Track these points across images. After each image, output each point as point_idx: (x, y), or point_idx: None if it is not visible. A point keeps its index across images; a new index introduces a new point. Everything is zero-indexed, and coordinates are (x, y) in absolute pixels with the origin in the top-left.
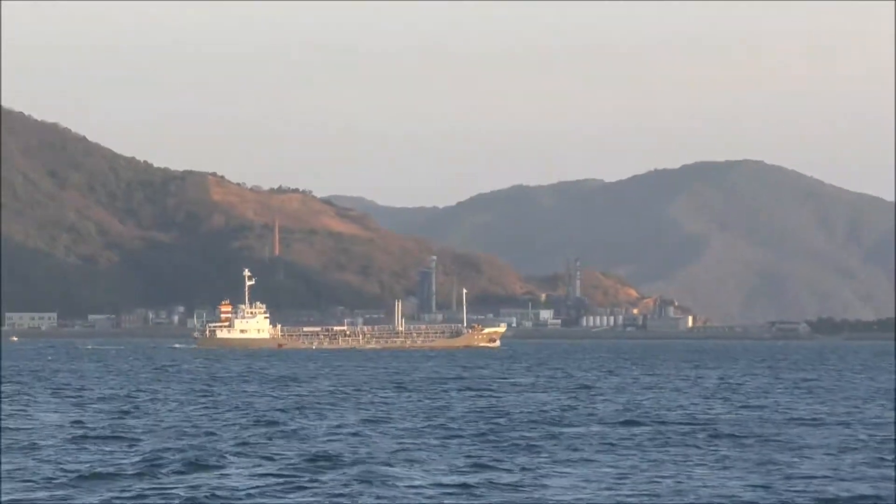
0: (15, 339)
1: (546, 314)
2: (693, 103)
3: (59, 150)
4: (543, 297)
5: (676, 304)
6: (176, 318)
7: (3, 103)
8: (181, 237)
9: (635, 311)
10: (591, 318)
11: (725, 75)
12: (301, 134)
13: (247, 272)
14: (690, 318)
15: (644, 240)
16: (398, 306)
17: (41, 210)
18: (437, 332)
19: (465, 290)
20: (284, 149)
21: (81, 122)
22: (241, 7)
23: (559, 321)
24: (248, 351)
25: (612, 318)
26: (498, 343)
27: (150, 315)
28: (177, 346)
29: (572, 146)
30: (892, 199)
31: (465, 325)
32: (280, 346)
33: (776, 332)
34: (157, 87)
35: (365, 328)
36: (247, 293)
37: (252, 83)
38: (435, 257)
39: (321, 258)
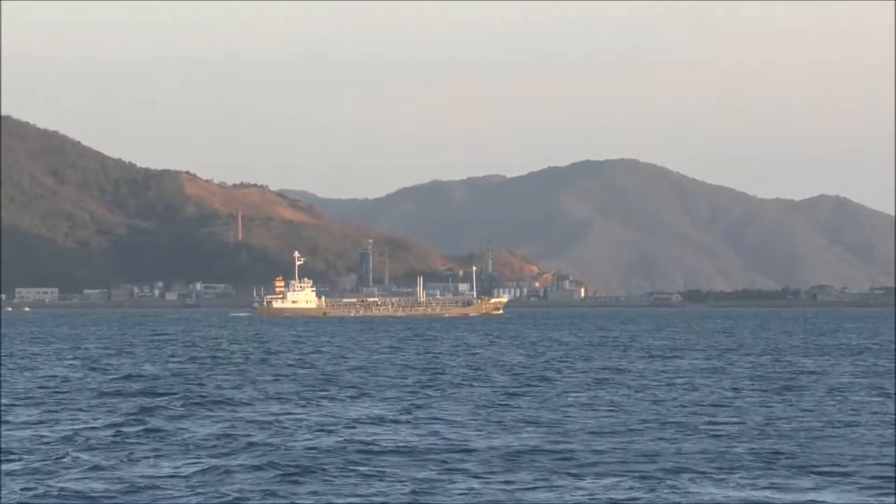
0: (27, 309)
1: (464, 287)
2: (579, 111)
3: (58, 152)
4: (461, 272)
5: (571, 278)
6: (157, 292)
7: (11, 114)
8: (160, 225)
9: (537, 284)
10: (502, 290)
11: (608, 86)
12: (258, 138)
13: (297, 254)
14: (583, 290)
15: (540, 225)
16: (419, 282)
17: (44, 202)
18: (452, 302)
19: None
20: (245, 150)
21: (77, 129)
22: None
23: (474, 293)
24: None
25: (518, 290)
26: (502, 311)
27: (135, 289)
28: (240, 314)
29: (479, 146)
30: (743, 189)
31: (475, 296)
32: (325, 314)
33: (654, 300)
34: (139, 100)
35: (393, 299)
36: (296, 270)
37: (217, 93)
38: (371, 240)
39: (277, 241)
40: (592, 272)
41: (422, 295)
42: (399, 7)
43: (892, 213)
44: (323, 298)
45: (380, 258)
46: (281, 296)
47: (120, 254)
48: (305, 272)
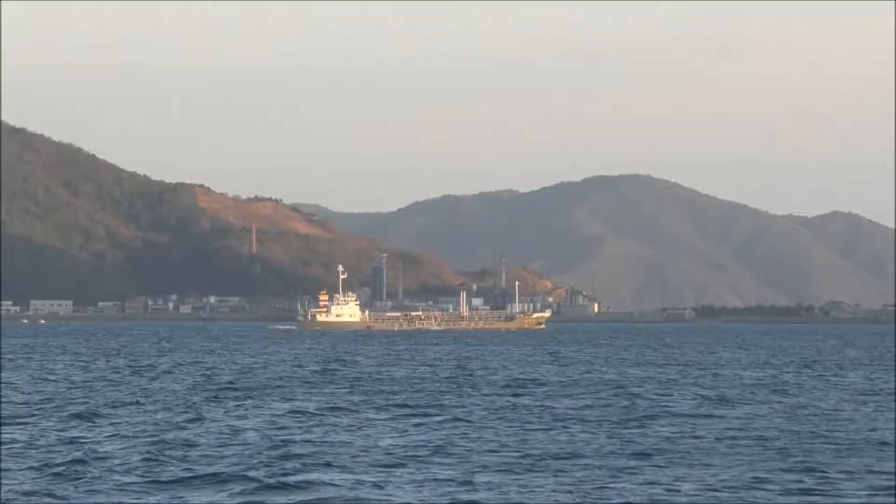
0: (42, 321)
1: (477, 302)
2: (592, 127)
3: (73, 165)
4: (475, 287)
5: (584, 293)
6: (170, 305)
7: (27, 126)
8: (174, 238)
9: (550, 299)
10: (515, 305)
11: (620, 102)
12: (272, 152)
13: (340, 268)
14: (596, 305)
15: (552, 240)
16: (463, 297)
17: (58, 215)
18: (494, 317)
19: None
20: (259, 164)
21: (91, 142)
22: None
23: (488, 307)
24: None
25: (531, 305)
26: (544, 326)
27: (149, 302)
28: (283, 327)
29: (492, 161)
30: (755, 205)
31: (517, 311)
32: (368, 328)
33: (667, 316)
34: (154, 113)
35: (436, 313)
36: (340, 284)
37: (232, 107)
38: (385, 254)
39: (290, 255)
40: (604, 287)
41: (464, 309)
42: (412, 23)
43: None
44: (367, 312)
45: (393, 272)
46: (325, 309)
47: (134, 267)
48: (319, 286)
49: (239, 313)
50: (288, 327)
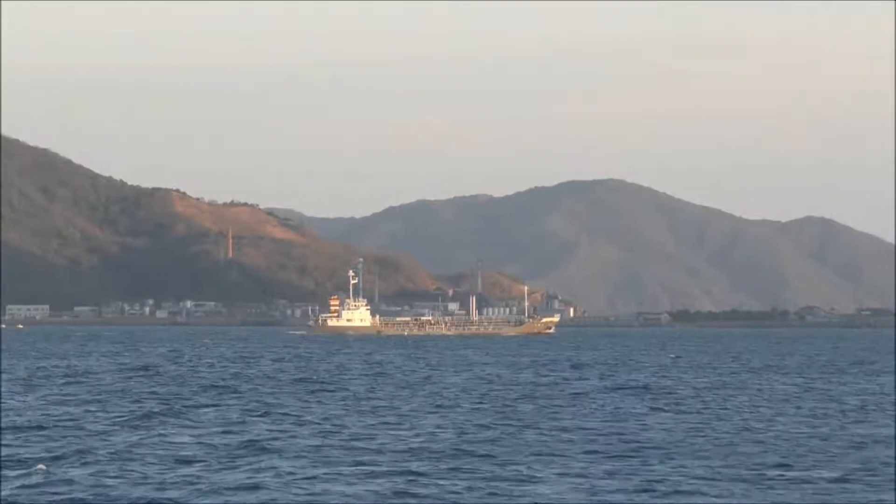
0: (21, 326)
1: (453, 306)
2: (566, 131)
3: (49, 170)
4: (451, 291)
5: (560, 297)
6: (147, 310)
7: (1, 131)
8: (150, 243)
9: (526, 303)
10: (491, 310)
11: (594, 106)
12: (247, 157)
13: (351, 273)
14: (572, 310)
15: (527, 244)
16: (472, 301)
17: (35, 220)
18: (503, 321)
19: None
20: (234, 168)
21: (67, 147)
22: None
23: (464, 312)
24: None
25: (507, 310)
26: (553, 330)
27: (126, 307)
28: (297, 332)
29: (465, 166)
30: (729, 210)
31: (526, 315)
32: (379, 332)
33: (643, 321)
34: (130, 117)
35: (447, 318)
36: (351, 289)
37: (206, 111)
38: (362, 259)
39: (266, 260)
40: (579, 292)
41: (475, 314)
42: (385, 27)
43: (878, 235)
44: (377, 317)
45: (369, 277)
46: (336, 314)
47: (110, 271)
48: (295, 291)
49: (215, 318)
50: (301, 332)
